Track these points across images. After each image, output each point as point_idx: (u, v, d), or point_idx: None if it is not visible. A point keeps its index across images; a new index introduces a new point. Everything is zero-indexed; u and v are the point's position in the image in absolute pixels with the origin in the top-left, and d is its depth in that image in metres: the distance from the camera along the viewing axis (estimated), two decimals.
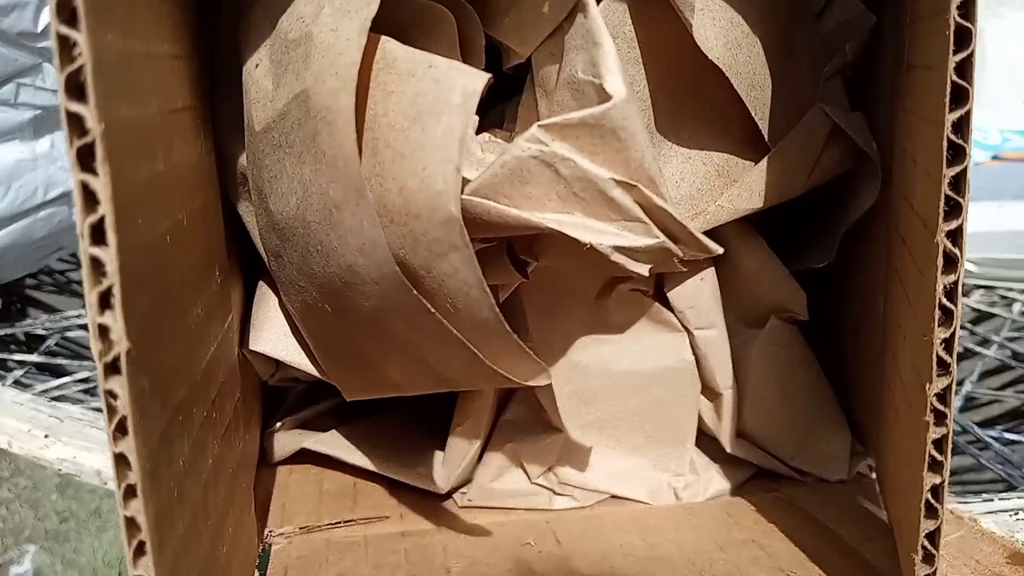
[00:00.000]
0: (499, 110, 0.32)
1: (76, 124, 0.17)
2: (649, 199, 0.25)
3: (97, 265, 0.18)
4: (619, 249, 0.25)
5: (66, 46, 0.17)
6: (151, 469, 0.20)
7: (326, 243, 0.25)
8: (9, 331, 0.64)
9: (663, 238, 0.25)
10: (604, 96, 0.24)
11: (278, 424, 0.41)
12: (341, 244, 0.25)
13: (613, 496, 0.37)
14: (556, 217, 0.25)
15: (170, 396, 0.23)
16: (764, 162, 0.33)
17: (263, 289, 0.36)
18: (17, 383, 0.54)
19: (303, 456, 0.40)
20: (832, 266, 0.38)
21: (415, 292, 0.24)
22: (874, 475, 0.38)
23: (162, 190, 0.23)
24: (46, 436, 0.42)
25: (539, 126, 0.24)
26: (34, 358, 0.60)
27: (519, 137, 0.24)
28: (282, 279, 0.31)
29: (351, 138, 0.23)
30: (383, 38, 0.26)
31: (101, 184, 0.18)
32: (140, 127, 0.21)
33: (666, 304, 0.36)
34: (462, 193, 0.24)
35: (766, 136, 0.33)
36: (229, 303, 0.32)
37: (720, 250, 0.25)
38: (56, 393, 0.53)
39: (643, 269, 0.25)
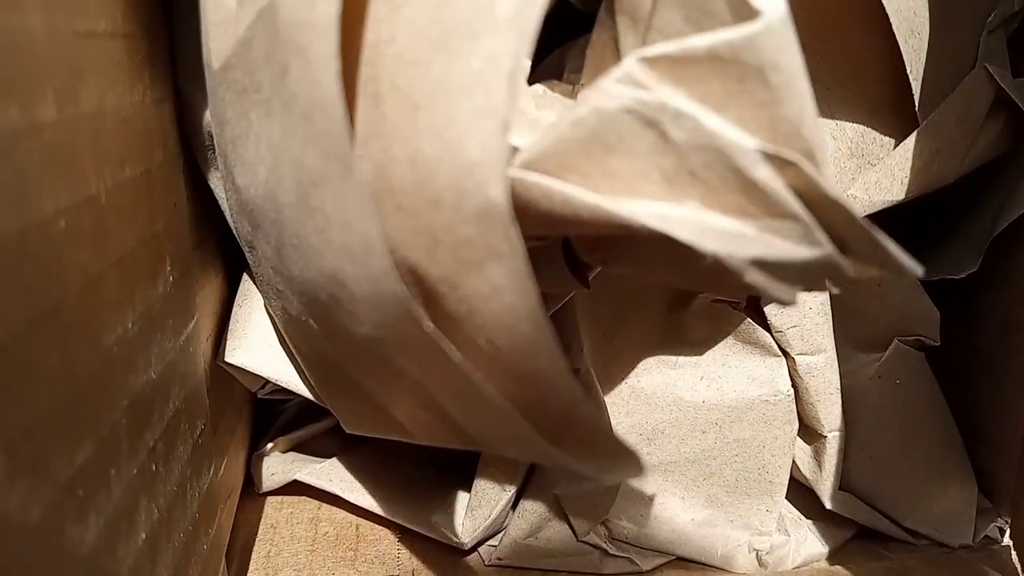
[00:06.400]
0: (556, 57, 0.23)
1: None
2: (812, 183, 0.15)
3: None
4: (760, 264, 0.15)
5: None
6: None
7: (303, 237, 0.17)
8: None
9: (831, 249, 0.15)
10: (745, 12, 0.14)
11: (269, 445, 0.34)
12: (321, 240, 0.16)
13: (679, 559, 0.31)
14: (658, 209, 0.15)
15: (59, 463, 0.15)
16: (911, 140, 0.25)
17: (247, 284, 0.28)
18: None
19: (298, 484, 0.34)
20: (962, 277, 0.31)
21: (429, 326, 0.15)
22: (1007, 540, 0.33)
23: (51, 151, 0.15)
24: None
25: (640, 60, 0.15)
26: None
27: (604, 78, 0.15)
28: (260, 277, 0.23)
29: (331, 72, 0.14)
30: None
31: None
32: (7, 45, 0.14)
33: (761, 321, 0.29)
34: (511, 168, 0.15)
35: (917, 102, 0.24)
36: (191, 306, 0.24)
37: (921, 271, 0.15)
38: None
39: (791, 295, 0.15)
